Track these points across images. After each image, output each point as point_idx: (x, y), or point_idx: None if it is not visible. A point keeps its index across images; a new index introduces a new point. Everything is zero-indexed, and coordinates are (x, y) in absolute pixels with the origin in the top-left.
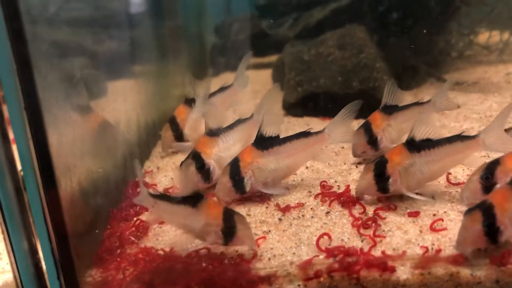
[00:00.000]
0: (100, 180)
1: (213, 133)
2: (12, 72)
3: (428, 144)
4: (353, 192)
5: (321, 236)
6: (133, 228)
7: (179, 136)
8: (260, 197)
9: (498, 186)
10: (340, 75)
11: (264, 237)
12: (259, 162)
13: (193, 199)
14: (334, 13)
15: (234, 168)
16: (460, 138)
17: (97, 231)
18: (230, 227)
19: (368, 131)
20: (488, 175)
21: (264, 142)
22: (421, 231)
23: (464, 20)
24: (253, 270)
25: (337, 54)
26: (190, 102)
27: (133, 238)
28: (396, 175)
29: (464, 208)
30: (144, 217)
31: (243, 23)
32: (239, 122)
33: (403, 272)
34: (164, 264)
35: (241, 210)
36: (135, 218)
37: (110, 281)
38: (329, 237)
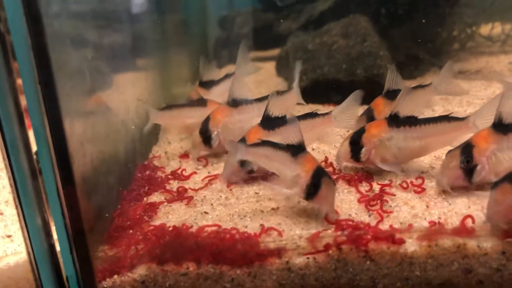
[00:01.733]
0: (111, 161)
1: (231, 103)
2: (30, 61)
3: (410, 121)
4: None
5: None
6: (144, 207)
7: None
8: (268, 178)
9: (478, 167)
10: (344, 63)
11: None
12: None
13: (295, 149)
14: (337, 4)
15: None
16: (447, 119)
17: (108, 209)
18: (314, 184)
19: (370, 117)
20: (468, 158)
21: (270, 122)
22: (427, 206)
23: (466, 11)
24: (263, 244)
25: (341, 43)
26: (205, 84)
27: (144, 216)
28: (370, 145)
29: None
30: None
31: (246, 16)
32: (263, 98)
33: (410, 245)
34: (175, 239)
35: (250, 189)
36: (145, 198)
37: (121, 256)
38: (337, 212)
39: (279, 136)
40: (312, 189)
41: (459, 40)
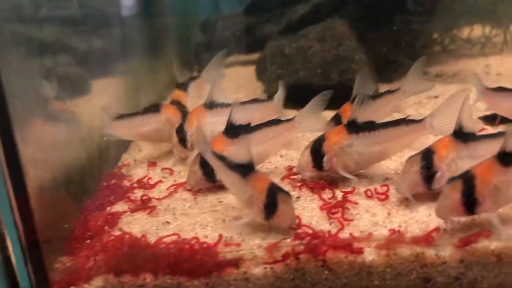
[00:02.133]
0: (73, 170)
1: (207, 105)
2: None
3: (369, 126)
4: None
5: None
6: (106, 217)
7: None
8: None
9: (438, 174)
10: (319, 67)
11: None
12: (229, 151)
13: (245, 169)
14: (316, 8)
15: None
16: (405, 121)
17: (69, 220)
18: (271, 203)
19: (338, 123)
20: (428, 164)
21: (234, 130)
22: (389, 214)
23: (446, 14)
24: (221, 254)
25: (317, 47)
26: (181, 86)
27: (105, 227)
28: (331, 153)
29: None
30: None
31: (228, 20)
32: (243, 103)
33: (369, 254)
34: (132, 250)
35: (214, 197)
36: (108, 208)
37: (79, 268)
38: (299, 219)
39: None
40: (270, 209)
41: (440, 43)
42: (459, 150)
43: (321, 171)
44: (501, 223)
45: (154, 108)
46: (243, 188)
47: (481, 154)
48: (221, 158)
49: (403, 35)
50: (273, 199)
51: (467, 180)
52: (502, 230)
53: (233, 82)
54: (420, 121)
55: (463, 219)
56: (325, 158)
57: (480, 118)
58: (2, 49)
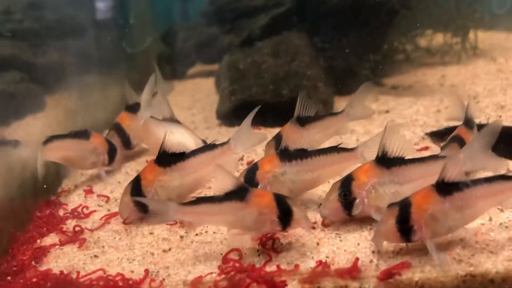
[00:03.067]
0: (0, 202)
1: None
2: None
3: (301, 154)
4: None
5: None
6: (34, 252)
7: (126, 141)
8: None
9: (357, 201)
10: (272, 83)
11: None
12: (161, 180)
13: (239, 193)
14: (275, 20)
15: (136, 186)
16: (336, 150)
17: None
18: (285, 212)
19: (278, 144)
20: (346, 191)
21: (167, 159)
22: (318, 244)
23: (405, 24)
24: None
25: (270, 62)
26: (131, 108)
27: (32, 262)
28: (265, 182)
29: None
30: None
31: (190, 31)
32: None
33: (292, 287)
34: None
35: (146, 229)
36: (38, 241)
37: None
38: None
39: (177, 173)
40: (286, 218)
41: (403, 51)
42: (381, 176)
43: None
44: (436, 251)
45: (83, 134)
46: (246, 212)
47: (407, 179)
48: (204, 199)
49: (362, 46)
50: (285, 207)
51: (403, 207)
52: (437, 257)
53: (191, 96)
54: (352, 149)
55: (391, 248)
56: (259, 187)
57: (427, 134)
58: None
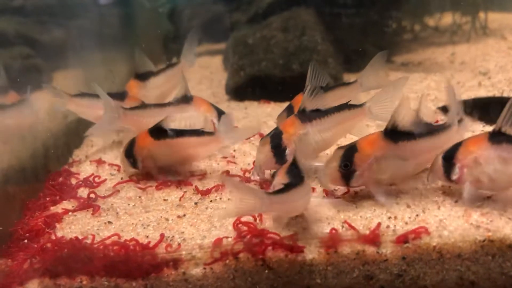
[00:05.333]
0: (11, 170)
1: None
2: None
3: (319, 114)
4: None
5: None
6: (46, 218)
7: None
8: (179, 182)
9: (357, 173)
10: (281, 58)
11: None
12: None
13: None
14: None
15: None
16: (348, 106)
17: (8, 221)
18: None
19: (290, 115)
20: (347, 162)
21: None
22: (338, 211)
23: (415, 2)
24: (159, 255)
25: (279, 37)
26: (140, 76)
27: (45, 228)
28: (292, 145)
29: None
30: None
31: (195, 9)
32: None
33: (309, 252)
34: (68, 252)
35: (159, 195)
36: (52, 208)
37: (14, 270)
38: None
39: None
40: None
41: (411, 31)
42: (386, 150)
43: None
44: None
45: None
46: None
47: (413, 155)
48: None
49: (372, 24)
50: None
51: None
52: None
53: (199, 73)
54: (360, 105)
55: (408, 214)
56: (287, 151)
57: (439, 108)
58: None
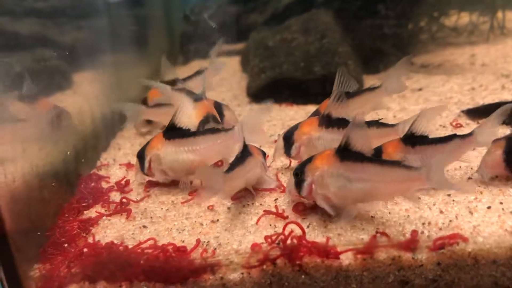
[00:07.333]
0: (46, 175)
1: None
2: None
3: (340, 123)
4: None
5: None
6: (81, 222)
7: None
8: None
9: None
10: (302, 60)
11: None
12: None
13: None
14: None
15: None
16: (376, 124)
17: (44, 225)
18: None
19: None
20: (298, 172)
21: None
22: (372, 216)
23: (433, 2)
24: (197, 260)
25: (300, 39)
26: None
27: (81, 232)
28: (300, 142)
29: None
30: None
31: (212, 10)
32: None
33: (345, 257)
34: (107, 257)
35: (191, 200)
36: (85, 212)
37: (53, 275)
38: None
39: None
40: None
41: (428, 31)
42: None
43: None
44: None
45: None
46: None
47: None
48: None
49: (390, 25)
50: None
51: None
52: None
53: (217, 75)
54: (393, 125)
55: (441, 220)
56: (293, 147)
57: (463, 111)
58: None
